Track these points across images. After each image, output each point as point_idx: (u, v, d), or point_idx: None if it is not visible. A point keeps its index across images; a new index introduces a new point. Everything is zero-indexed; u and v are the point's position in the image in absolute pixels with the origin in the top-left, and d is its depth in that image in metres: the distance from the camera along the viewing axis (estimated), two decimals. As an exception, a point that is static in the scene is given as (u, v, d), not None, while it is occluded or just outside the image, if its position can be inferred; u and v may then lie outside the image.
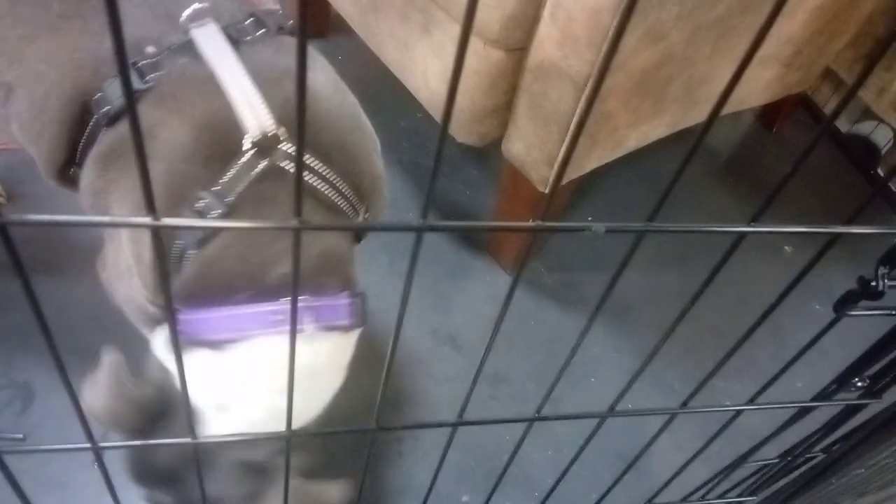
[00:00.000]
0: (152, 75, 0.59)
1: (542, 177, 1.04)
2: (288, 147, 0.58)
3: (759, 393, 0.48)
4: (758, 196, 1.53)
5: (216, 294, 0.57)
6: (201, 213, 0.56)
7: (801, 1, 1.12)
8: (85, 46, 0.62)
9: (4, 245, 0.25)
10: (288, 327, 0.56)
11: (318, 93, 0.64)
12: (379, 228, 0.28)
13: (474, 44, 0.94)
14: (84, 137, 0.64)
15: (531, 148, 1.01)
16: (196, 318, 0.57)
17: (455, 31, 0.96)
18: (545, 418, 0.45)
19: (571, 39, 0.85)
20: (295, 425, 0.59)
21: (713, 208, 1.47)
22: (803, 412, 0.58)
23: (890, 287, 0.41)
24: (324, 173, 0.60)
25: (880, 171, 1.62)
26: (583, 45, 0.84)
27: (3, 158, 1.20)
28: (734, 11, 0.97)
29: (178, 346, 0.33)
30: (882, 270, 0.41)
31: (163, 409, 0.57)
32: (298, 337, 0.56)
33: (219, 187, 0.57)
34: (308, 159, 0.59)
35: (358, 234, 0.72)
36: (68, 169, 0.67)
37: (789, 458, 0.63)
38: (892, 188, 1.58)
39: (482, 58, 0.94)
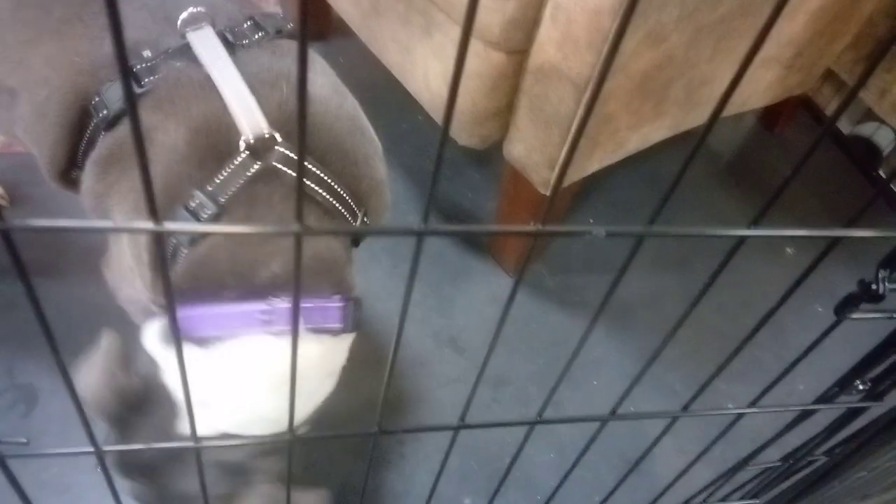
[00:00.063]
0: (148, 79, 0.60)
1: (543, 179, 1.04)
2: (283, 149, 0.58)
3: (761, 396, 0.48)
4: (759, 197, 1.52)
5: (206, 291, 0.56)
6: (194, 213, 0.56)
7: (802, 2, 1.12)
8: (85, 50, 0.62)
9: (8, 250, 0.25)
10: (275, 327, 0.56)
11: (316, 95, 0.64)
12: (380, 233, 0.28)
13: (475, 46, 0.94)
14: (84, 141, 0.64)
15: (532, 150, 1.01)
16: (184, 315, 0.56)
17: (456, 33, 0.96)
18: (547, 421, 0.45)
19: (572, 42, 0.85)
20: (278, 428, 0.59)
21: (715, 210, 1.47)
22: (805, 415, 0.58)
23: (890, 290, 0.41)
24: (320, 176, 0.60)
25: (882, 173, 1.61)
26: (583, 48, 0.84)
27: (6, 161, 1.20)
28: (735, 13, 0.97)
29: (179, 347, 0.33)
30: (882, 274, 0.41)
31: (145, 399, 0.57)
32: (285, 338, 0.56)
33: (212, 187, 0.57)
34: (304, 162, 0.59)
35: (356, 238, 0.72)
36: (70, 172, 0.68)
37: (791, 461, 0.63)
38: (894, 189, 1.58)
39: (483, 60, 0.94)
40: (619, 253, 1.33)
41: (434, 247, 1.25)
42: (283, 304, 0.56)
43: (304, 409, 0.63)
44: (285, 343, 0.56)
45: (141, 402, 0.57)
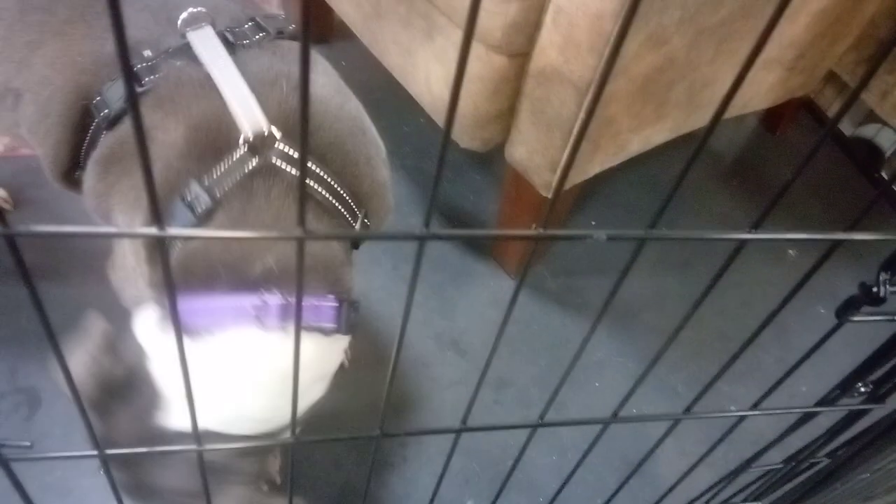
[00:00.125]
0: (148, 78, 0.60)
1: (545, 182, 1.04)
2: (282, 146, 0.58)
3: (763, 398, 0.48)
4: (761, 199, 1.52)
5: (198, 283, 0.56)
6: (190, 205, 0.56)
7: (804, 4, 1.12)
8: (87, 50, 0.63)
9: (12, 255, 0.25)
10: (266, 322, 0.54)
11: (317, 94, 0.64)
12: (381, 237, 0.28)
13: (477, 49, 0.94)
14: (86, 141, 0.64)
15: (534, 153, 1.01)
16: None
17: (457, 36, 0.97)
18: (549, 424, 0.45)
19: (573, 45, 0.85)
20: (263, 428, 0.58)
21: (717, 212, 1.47)
22: (808, 417, 0.58)
23: (892, 293, 0.41)
24: (320, 174, 0.60)
25: (884, 174, 1.61)
26: (585, 51, 0.84)
27: (9, 165, 1.20)
28: (736, 15, 0.97)
29: (181, 348, 0.33)
30: (884, 276, 0.41)
31: (127, 387, 0.56)
32: (276, 334, 0.55)
33: (209, 181, 0.57)
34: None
35: (356, 241, 0.72)
36: (73, 172, 0.68)
37: (794, 463, 0.63)
38: (896, 191, 1.57)
39: (485, 63, 0.94)
40: (621, 255, 1.33)
41: (436, 249, 1.25)
42: (275, 298, 0.55)
43: (288, 413, 0.61)
44: (275, 339, 0.55)
45: (123, 389, 0.56)
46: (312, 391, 0.62)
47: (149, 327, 0.57)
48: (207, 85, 0.59)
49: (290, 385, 0.57)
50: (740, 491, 0.73)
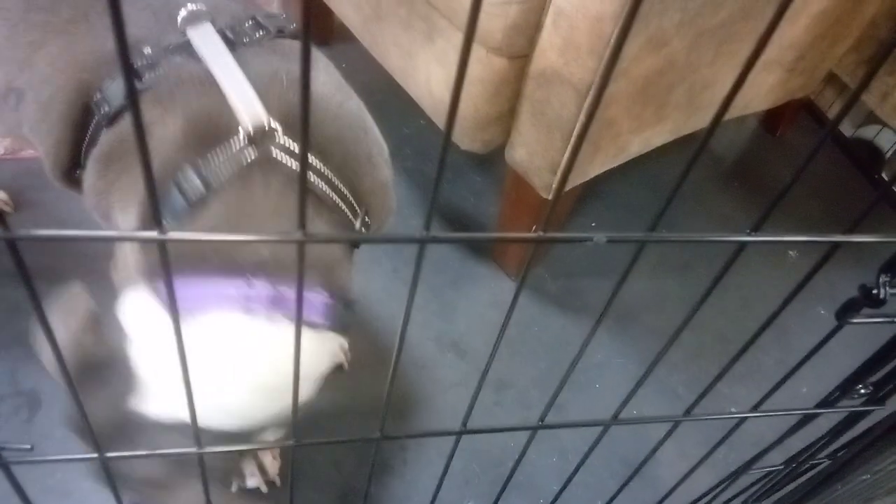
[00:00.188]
0: (148, 75, 0.60)
1: (545, 183, 1.04)
2: (282, 139, 0.58)
3: (763, 400, 0.48)
4: (762, 200, 1.52)
5: (187, 266, 0.55)
6: (184, 192, 0.56)
7: (804, 6, 1.12)
8: (89, 48, 0.63)
9: (13, 259, 0.25)
10: (251, 309, 0.53)
11: (318, 91, 0.64)
12: (382, 240, 0.28)
13: (477, 51, 0.94)
14: (87, 139, 0.64)
15: (534, 155, 1.01)
16: (163, 287, 0.55)
17: (458, 38, 0.97)
18: (549, 426, 0.45)
19: (573, 47, 0.85)
20: (242, 424, 0.56)
21: (717, 213, 1.47)
22: (808, 418, 0.58)
23: (892, 295, 0.41)
24: (320, 169, 0.60)
25: (884, 176, 1.61)
26: (585, 53, 0.85)
27: (10, 167, 1.21)
28: (736, 17, 0.97)
29: (181, 344, 0.33)
30: (884, 278, 0.41)
31: (105, 367, 0.55)
32: (260, 322, 0.54)
33: (206, 170, 0.56)
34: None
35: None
36: (74, 171, 0.68)
37: (794, 465, 0.63)
38: (897, 192, 1.57)
39: (485, 65, 0.95)
40: (622, 256, 1.33)
41: (436, 251, 1.25)
42: (263, 286, 0.54)
43: (271, 408, 0.58)
44: (259, 327, 0.54)
45: (101, 370, 0.54)
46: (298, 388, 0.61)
47: (134, 310, 0.56)
48: (207, 80, 0.59)
49: (273, 378, 0.57)
50: (741, 492, 0.73)
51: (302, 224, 0.25)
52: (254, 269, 0.54)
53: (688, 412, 0.47)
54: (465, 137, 1.06)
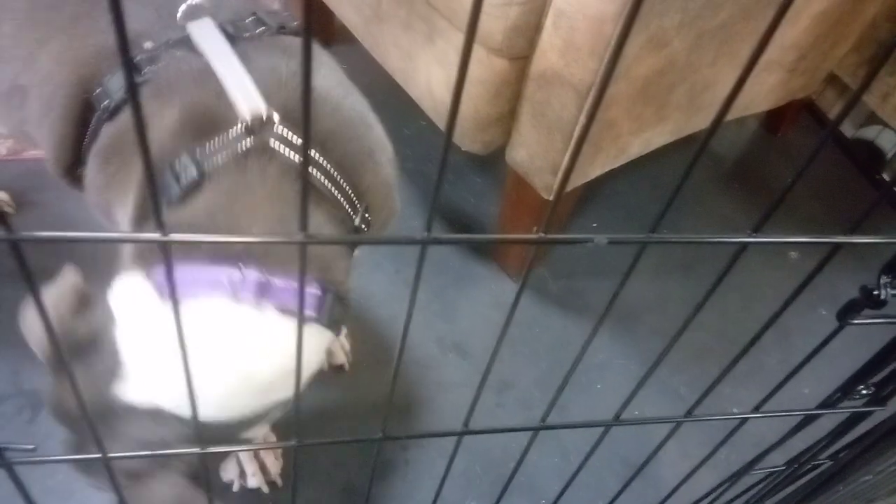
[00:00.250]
0: (148, 68, 0.60)
1: (545, 184, 1.04)
2: (280, 129, 0.57)
3: (765, 401, 0.48)
4: (763, 200, 1.52)
5: (178, 251, 0.54)
6: (177, 175, 0.56)
7: (805, 6, 1.12)
8: (91, 44, 0.63)
9: (16, 260, 0.25)
10: (240, 296, 0.52)
11: (319, 85, 0.64)
12: (384, 242, 0.28)
13: (477, 53, 0.94)
14: (88, 134, 0.64)
15: (535, 156, 1.01)
16: (157, 274, 0.54)
17: (458, 40, 0.97)
18: (551, 427, 0.45)
19: (574, 48, 0.85)
20: (221, 416, 0.54)
21: (718, 214, 1.47)
22: (809, 419, 0.58)
23: (893, 295, 0.41)
24: (319, 161, 0.60)
25: (885, 176, 1.61)
26: (585, 54, 0.85)
27: (12, 168, 1.21)
28: (736, 18, 0.97)
29: (182, 343, 0.33)
30: (884, 279, 0.41)
31: (89, 350, 0.54)
32: (243, 310, 0.53)
33: (201, 154, 0.56)
34: (300, 141, 0.58)
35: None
36: (76, 168, 0.68)
37: (796, 465, 0.63)
38: (898, 193, 1.57)
39: (485, 67, 0.95)
40: (623, 257, 1.33)
41: (437, 252, 1.25)
42: (253, 273, 0.54)
43: (256, 401, 0.57)
44: (245, 314, 0.53)
45: (84, 352, 0.54)
46: (281, 385, 0.58)
47: (125, 293, 0.55)
48: (206, 72, 0.59)
49: (258, 368, 0.55)
50: (743, 493, 0.73)
51: (304, 225, 0.25)
52: (244, 257, 0.54)
53: (689, 413, 0.47)
54: (466, 138, 1.06)
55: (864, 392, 0.53)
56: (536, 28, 0.89)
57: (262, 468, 0.91)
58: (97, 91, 0.62)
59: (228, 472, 0.90)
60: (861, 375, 0.53)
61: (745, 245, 0.33)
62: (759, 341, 0.40)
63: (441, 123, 1.12)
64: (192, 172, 0.55)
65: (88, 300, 0.56)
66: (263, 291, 0.54)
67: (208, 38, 0.60)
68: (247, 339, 0.54)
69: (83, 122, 0.64)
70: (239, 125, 0.57)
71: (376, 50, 1.18)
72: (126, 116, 0.61)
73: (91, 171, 0.64)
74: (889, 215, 1.55)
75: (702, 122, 1.17)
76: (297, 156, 0.58)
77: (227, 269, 0.53)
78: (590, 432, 1.07)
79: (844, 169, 1.65)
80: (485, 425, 0.44)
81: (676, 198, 0.29)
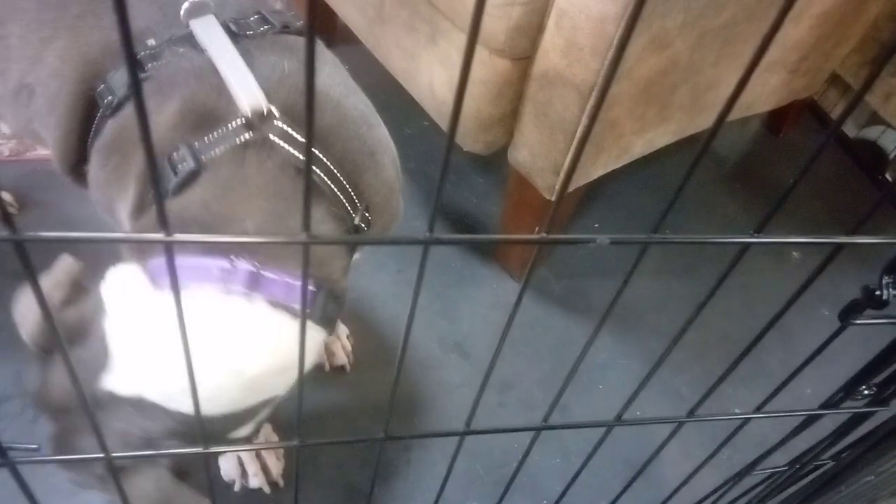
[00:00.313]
0: (151, 65, 0.60)
1: (548, 184, 1.04)
2: (280, 124, 0.58)
3: (767, 401, 0.48)
4: (765, 200, 1.52)
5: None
6: (173, 164, 0.56)
7: (807, 7, 1.12)
8: (95, 41, 0.64)
9: (20, 260, 0.25)
10: (230, 287, 0.52)
11: (320, 81, 0.64)
12: (386, 242, 0.28)
13: (480, 53, 0.94)
14: (92, 131, 0.65)
15: (537, 156, 1.01)
16: (151, 263, 0.54)
17: (460, 40, 0.97)
18: (552, 427, 0.45)
19: (576, 48, 0.85)
20: (208, 410, 0.53)
21: (721, 214, 1.47)
22: (812, 419, 0.58)
23: (895, 296, 0.41)
24: (318, 157, 0.60)
25: (888, 176, 1.61)
26: (587, 54, 0.85)
27: (16, 169, 1.21)
28: (739, 18, 0.97)
29: (185, 341, 0.33)
30: (887, 279, 0.41)
31: (76, 341, 0.54)
32: (232, 301, 0.53)
33: (199, 145, 0.56)
34: (301, 136, 0.58)
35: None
36: (81, 166, 0.68)
37: (798, 466, 0.63)
38: (901, 193, 1.57)
39: (488, 67, 0.95)
40: (625, 257, 1.33)
41: (439, 252, 1.25)
42: (245, 264, 0.53)
43: (245, 396, 0.56)
44: (235, 305, 0.53)
45: (72, 341, 0.53)
46: (271, 383, 0.57)
47: (118, 283, 0.55)
48: (208, 68, 0.59)
49: (245, 361, 0.54)
50: (744, 493, 0.73)
51: (307, 225, 0.25)
52: (236, 249, 0.54)
53: (691, 413, 0.47)
54: (468, 139, 1.06)
55: (866, 392, 0.53)
56: (539, 28, 0.89)
57: (264, 468, 0.91)
58: (100, 87, 0.62)
59: (230, 472, 0.90)
60: (863, 376, 0.53)
61: (747, 245, 0.33)
62: (760, 341, 0.40)
63: (443, 124, 1.12)
64: (190, 164, 0.55)
65: (82, 289, 0.56)
66: (254, 283, 0.53)
67: (211, 35, 0.60)
68: (236, 331, 0.54)
69: (87, 119, 0.65)
70: (238, 119, 0.57)
71: (379, 50, 1.18)
72: (127, 112, 0.62)
73: (93, 167, 0.65)
74: (891, 215, 1.55)
75: (704, 122, 1.17)
76: (296, 150, 0.58)
77: (219, 260, 0.53)
78: (592, 432, 1.07)
79: (847, 169, 1.65)
80: (487, 425, 0.44)
81: (679, 198, 0.29)
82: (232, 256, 0.53)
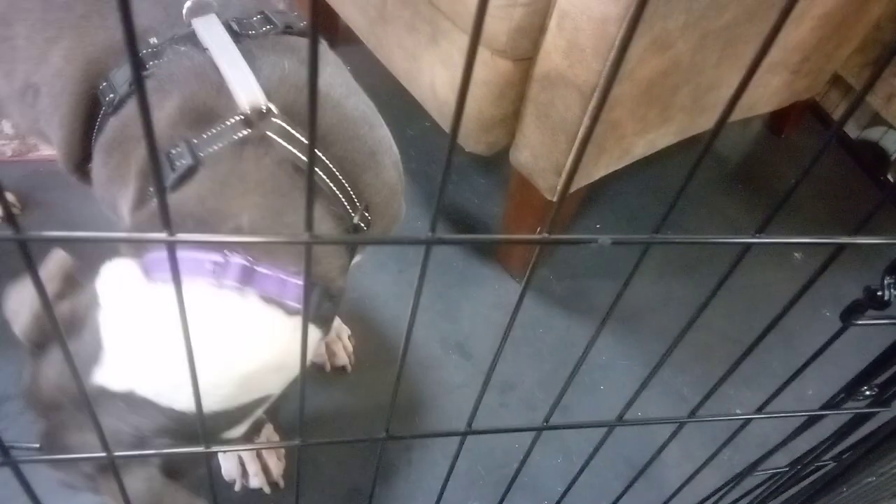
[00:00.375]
0: (152, 63, 0.61)
1: (549, 185, 1.04)
2: (278, 121, 0.58)
3: (768, 402, 0.48)
4: (766, 201, 1.52)
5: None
6: (171, 161, 0.56)
7: (808, 8, 1.12)
8: (99, 40, 0.64)
9: (24, 259, 0.25)
10: (222, 281, 0.52)
11: (321, 83, 0.64)
12: (388, 242, 0.28)
13: (482, 54, 0.94)
14: (95, 129, 0.65)
15: (539, 157, 1.01)
16: (148, 257, 0.54)
17: (462, 41, 0.97)
18: (554, 427, 0.45)
19: (578, 49, 0.85)
20: (192, 403, 0.52)
21: (722, 215, 1.47)
22: (813, 420, 0.58)
23: (896, 296, 0.41)
24: (318, 156, 0.60)
25: (889, 177, 1.61)
26: (589, 55, 0.85)
27: (19, 169, 1.21)
28: (740, 19, 0.97)
29: (187, 339, 0.33)
30: (888, 280, 0.41)
31: (69, 333, 0.53)
32: (224, 295, 0.53)
33: (197, 141, 0.56)
34: (299, 134, 0.58)
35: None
36: (85, 164, 0.69)
37: (799, 467, 0.63)
38: (902, 194, 1.57)
39: (490, 68, 0.95)
40: (626, 259, 1.33)
41: (441, 253, 1.25)
42: (238, 258, 0.53)
43: (233, 395, 0.55)
44: (226, 300, 0.52)
45: (64, 335, 0.53)
46: (264, 380, 0.57)
47: (112, 276, 0.55)
48: (209, 66, 0.59)
49: (237, 356, 0.54)
50: (745, 494, 0.73)
51: (309, 225, 0.25)
52: (234, 244, 0.54)
53: (693, 413, 0.47)
54: (470, 139, 1.06)
55: (867, 393, 0.53)
56: (540, 29, 0.89)
57: (265, 469, 0.91)
58: (102, 85, 0.63)
59: (230, 472, 0.90)
60: (865, 376, 0.53)
61: (748, 246, 0.33)
62: (762, 342, 0.40)
63: (445, 124, 1.12)
64: (187, 160, 0.56)
65: (74, 283, 0.56)
66: (247, 278, 0.53)
67: (212, 33, 0.60)
68: (227, 325, 0.53)
69: (91, 117, 0.65)
70: (237, 116, 0.57)
71: (380, 51, 1.18)
72: (128, 110, 0.62)
73: (96, 164, 0.65)
74: (893, 216, 1.55)
75: (706, 123, 1.17)
76: (294, 148, 0.58)
77: (212, 255, 0.53)
78: (593, 433, 1.07)
79: (848, 170, 1.65)
80: (488, 426, 0.44)
81: (680, 198, 0.29)
82: (225, 251, 0.53)
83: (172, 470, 0.54)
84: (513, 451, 1.03)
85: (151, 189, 0.58)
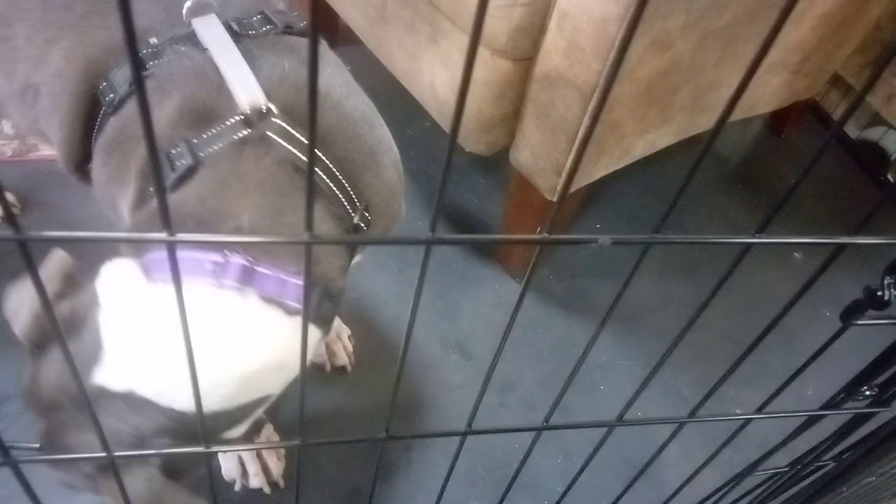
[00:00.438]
0: (152, 62, 0.61)
1: (549, 185, 1.04)
2: (278, 121, 0.58)
3: (768, 402, 0.48)
4: (767, 201, 1.52)
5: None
6: (171, 160, 0.56)
7: (808, 8, 1.12)
8: (99, 41, 0.64)
9: (24, 259, 0.25)
10: (222, 281, 0.52)
11: (321, 83, 0.64)
12: (388, 242, 0.28)
13: (482, 54, 0.94)
14: (95, 129, 0.65)
15: (539, 157, 1.01)
16: (148, 257, 0.54)
17: (462, 41, 0.97)
18: (554, 427, 0.45)
19: (578, 49, 0.85)
20: (192, 403, 0.52)
21: (722, 215, 1.47)
22: (813, 420, 0.58)
23: (896, 296, 0.41)
24: (318, 156, 0.60)
25: (889, 177, 1.61)
26: (589, 55, 0.85)
27: (19, 169, 1.21)
28: (740, 19, 0.97)
29: (188, 340, 0.33)
30: (888, 280, 0.41)
31: (69, 333, 0.53)
32: (224, 294, 0.53)
33: (197, 141, 0.56)
34: (299, 134, 0.58)
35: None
36: (86, 164, 0.69)
37: (799, 467, 0.63)
38: (902, 194, 1.57)
39: (490, 68, 0.95)
40: (626, 259, 1.33)
41: (441, 253, 1.25)
42: (238, 258, 0.53)
43: (232, 394, 0.55)
44: (226, 299, 0.52)
45: (63, 335, 0.53)
46: (264, 380, 0.57)
47: (112, 276, 0.55)
48: (208, 66, 0.59)
49: (237, 356, 0.54)
50: (745, 494, 0.73)
51: (309, 225, 0.25)
52: (234, 244, 0.54)
53: (692, 413, 0.47)
54: (470, 139, 1.06)
55: (867, 393, 0.53)
56: (540, 29, 0.89)
57: (265, 469, 0.91)
58: (102, 85, 0.63)
59: (230, 472, 0.90)
60: (865, 376, 0.53)
61: (748, 246, 0.33)
62: (762, 342, 0.40)
63: (445, 124, 1.12)
64: (187, 160, 0.56)
65: (74, 283, 0.56)
66: (247, 278, 0.53)
67: (212, 33, 0.60)
68: (227, 325, 0.53)
69: (91, 117, 0.65)
70: (236, 116, 0.57)
71: (380, 51, 1.18)
72: (128, 110, 0.62)
73: (96, 164, 0.65)
74: (893, 216, 1.55)
75: (706, 123, 1.17)
76: (294, 148, 0.58)
77: (212, 254, 0.53)
78: (593, 433, 1.07)
79: (848, 170, 1.65)
80: (488, 426, 0.44)
81: (680, 198, 0.29)
82: (225, 251, 0.53)
83: (172, 470, 0.54)
84: (513, 451, 1.03)
85: (151, 189, 0.58)
